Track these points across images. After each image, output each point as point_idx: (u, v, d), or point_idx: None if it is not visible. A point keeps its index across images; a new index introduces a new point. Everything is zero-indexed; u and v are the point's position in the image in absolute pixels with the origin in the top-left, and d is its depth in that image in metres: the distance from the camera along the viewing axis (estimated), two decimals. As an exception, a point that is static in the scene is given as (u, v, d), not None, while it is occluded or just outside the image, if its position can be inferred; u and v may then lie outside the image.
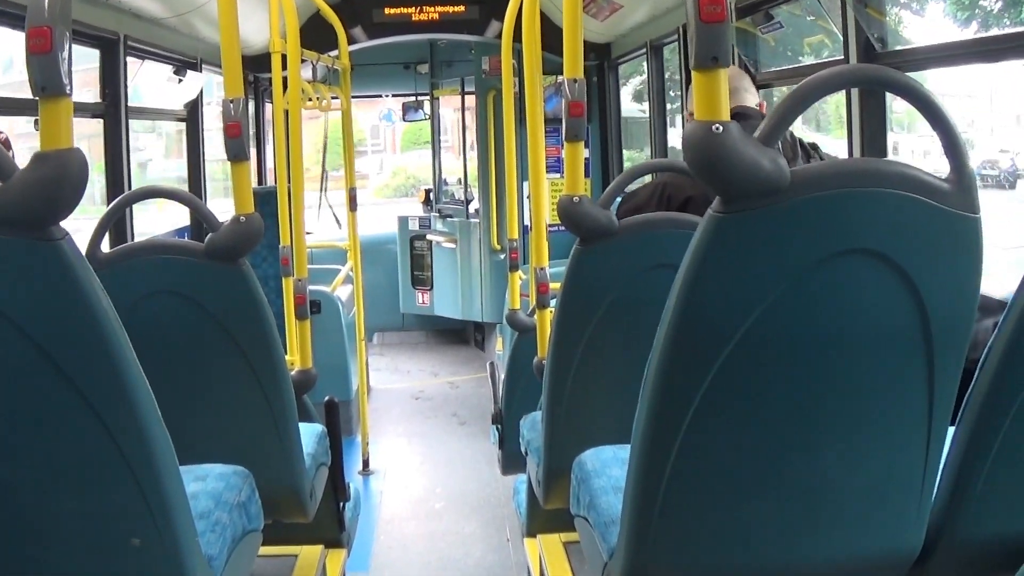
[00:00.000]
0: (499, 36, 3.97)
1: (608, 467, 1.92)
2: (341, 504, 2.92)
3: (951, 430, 1.54)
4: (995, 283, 2.34)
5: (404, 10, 6.34)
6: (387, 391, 6.75)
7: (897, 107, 3.33)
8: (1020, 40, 2.52)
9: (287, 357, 2.77)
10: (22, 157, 1.47)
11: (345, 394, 5.35)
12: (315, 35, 5.07)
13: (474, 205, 7.42)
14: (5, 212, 1.30)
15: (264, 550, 2.15)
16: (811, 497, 1.50)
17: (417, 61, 7.84)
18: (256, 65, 5.72)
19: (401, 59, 7.76)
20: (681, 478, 1.46)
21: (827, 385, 1.43)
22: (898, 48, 3.08)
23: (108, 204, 2.53)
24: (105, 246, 2.33)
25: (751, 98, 2.69)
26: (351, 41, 5.77)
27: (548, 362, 2.29)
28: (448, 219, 7.57)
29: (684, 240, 1.40)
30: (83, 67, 3.88)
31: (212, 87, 5.62)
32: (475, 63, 7.03)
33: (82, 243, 1.40)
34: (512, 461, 3.23)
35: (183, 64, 4.74)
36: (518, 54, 3.42)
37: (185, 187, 5.03)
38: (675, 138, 5.40)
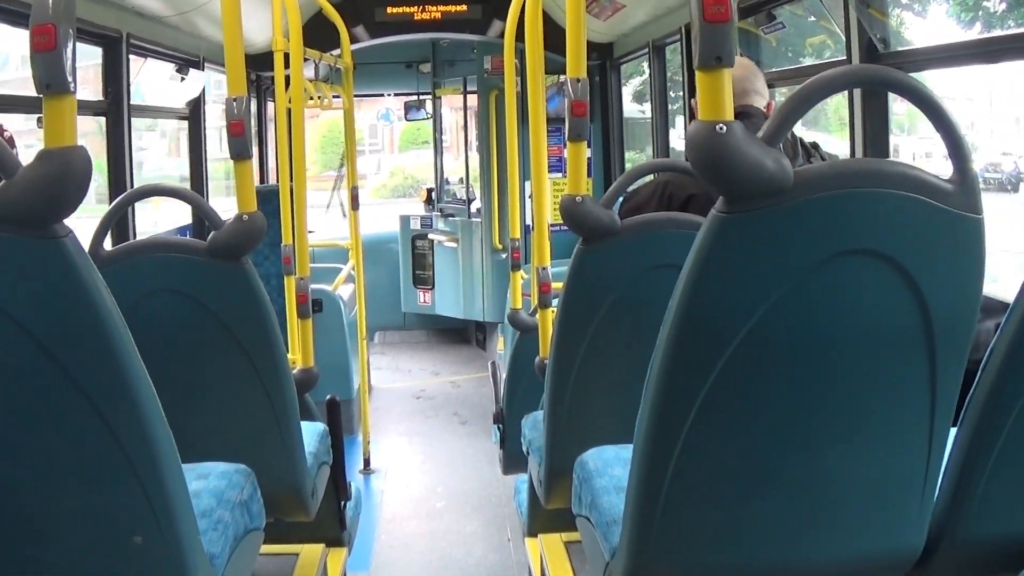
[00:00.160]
0: (501, 35, 3.96)
1: (610, 467, 1.92)
2: (342, 503, 2.92)
3: (953, 431, 1.54)
4: (1000, 287, 2.34)
5: (406, 9, 6.34)
6: (388, 390, 6.75)
7: (897, 109, 3.33)
8: (1022, 41, 2.52)
9: (289, 356, 2.77)
10: (22, 156, 1.47)
11: (346, 393, 5.35)
12: (317, 34, 5.06)
13: (476, 204, 7.42)
14: (8, 209, 1.29)
15: (265, 548, 2.15)
16: (813, 497, 1.50)
17: (419, 60, 7.84)
18: (259, 64, 5.72)
19: (403, 58, 7.76)
20: (684, 477, 1.46)
21: (829, 385, 1.43)
22: (900, 49, 3.08)
23: (110, 203, 2.52)
24: (107, 245, 2.34)
25: (760, 99, 2.65)
26: (353, 40, 5.77)
27: (550, 362, 2.29)
28: (450, 218, 7.57)
29: (686, 240, 1.40)
30: (83, 64, 3.89)
31: (212, 87, 5.62)
32: (477, 62, 7.04)
33: (82, 242, 1.39)
34: (513, 460, 3.23)
35: (185, 62, 4.75)
36: (520, 53, 3.42)
37: (185, 186, 5.02)
38: (676, 139, 5.40)
